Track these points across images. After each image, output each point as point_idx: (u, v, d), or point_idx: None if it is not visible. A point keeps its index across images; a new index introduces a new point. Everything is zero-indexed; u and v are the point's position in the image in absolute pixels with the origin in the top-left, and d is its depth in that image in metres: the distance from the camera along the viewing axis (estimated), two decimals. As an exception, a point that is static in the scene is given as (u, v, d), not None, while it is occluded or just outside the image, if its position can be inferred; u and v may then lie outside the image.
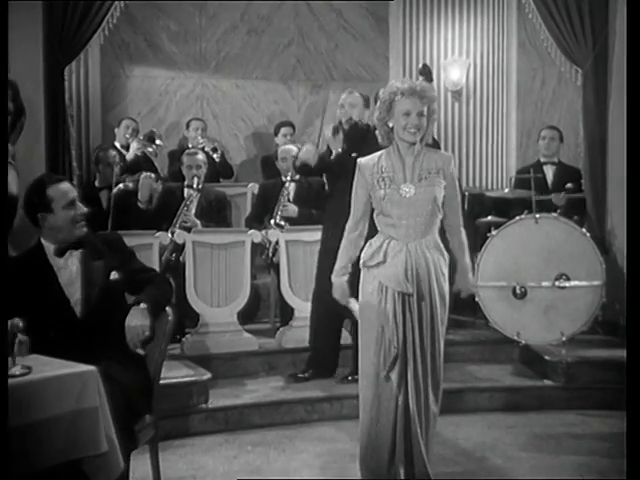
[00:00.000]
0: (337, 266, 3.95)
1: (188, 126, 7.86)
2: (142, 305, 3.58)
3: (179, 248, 5.98)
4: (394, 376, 3.79)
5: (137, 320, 3.51)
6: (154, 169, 7.46)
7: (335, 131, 5.29)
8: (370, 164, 3.86)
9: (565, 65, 6.54)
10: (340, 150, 5.29)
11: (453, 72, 8.46)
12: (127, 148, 7.50)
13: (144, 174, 6.31)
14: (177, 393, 4.98)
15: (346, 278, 3.92)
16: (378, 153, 3.89)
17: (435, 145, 5.97)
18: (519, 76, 8.16)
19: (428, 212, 3.79)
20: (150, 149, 7.34)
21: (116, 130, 7.66)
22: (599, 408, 5.26)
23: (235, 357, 5.73)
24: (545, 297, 5.64)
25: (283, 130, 7.86)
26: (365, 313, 3.86)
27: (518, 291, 5.67)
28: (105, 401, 3.03)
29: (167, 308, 3.75)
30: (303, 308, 5.77)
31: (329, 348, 5.57)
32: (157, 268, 5.60)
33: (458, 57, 8.44)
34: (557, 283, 5.62)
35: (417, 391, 3.79)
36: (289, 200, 6.62)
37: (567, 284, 5.61)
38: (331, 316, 5.39)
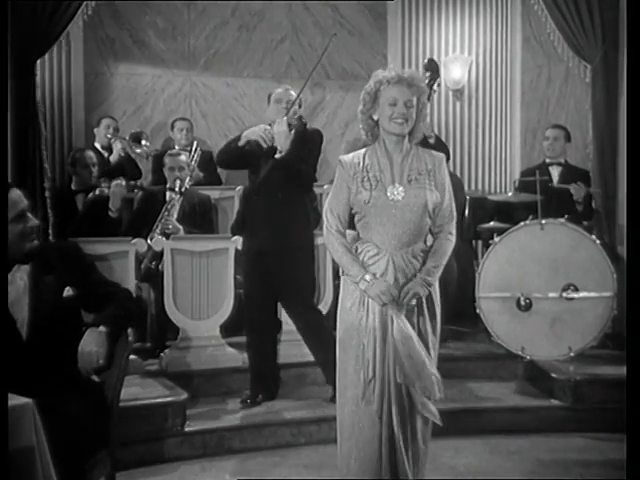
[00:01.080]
0: (355, 272, 3.44)
1: (173, 127, 7.57)
2: (100, 328, 3.17)
3: (160, 256, 5.63)
4: (376, 400, 3.42)
5: (92, 345, 3.10)
6: (138, 172, 7.20)
7: (290, 127, 4.85)
8: (354, 161, 3.49)
9: (573, 61, 6.35)
10: (286, 149, 4.83)
11: (454, 70, 8.27)
12: (108, 149, 7.23)
13: (115, 182, 6.00)
14: (151, 415, 4.63)
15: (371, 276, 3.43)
16: (361, 150, 3.54)
17: (439, 143, 5.83)
18: (524, 74, 8.00)
19: (418, 219, 3.44)
20: (138, 150, 7.00)
21: (96, 130, 7.38)
22: (611, 431, 4.82)
23: (217, 374, 5.37)
24: (552, 309, 5.39)
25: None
26: (344, 329, 3.49)
27: (522, 303, 5.42)
28: (43, 439, 2.62)
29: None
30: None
31: (268, 368, 5.21)
32: (133, 278, 5.32)
33: (459, 54, 8.28)
34: (564, 294, 5.38)
35: (402, 416, 3.43)
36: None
37: (575, 295, 5.37)
38: (265, 329, 5.10)
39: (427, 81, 5.58)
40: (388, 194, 3.41)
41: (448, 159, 6.54)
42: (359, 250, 3.48)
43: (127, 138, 7.08)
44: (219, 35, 8.19)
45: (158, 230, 5.83)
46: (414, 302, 3.42)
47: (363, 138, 3.55)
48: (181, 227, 5.88)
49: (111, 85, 8.00)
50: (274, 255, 4.92)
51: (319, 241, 5.27)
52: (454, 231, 3.55)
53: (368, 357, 3.42)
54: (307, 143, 4.93)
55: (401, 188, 3.42)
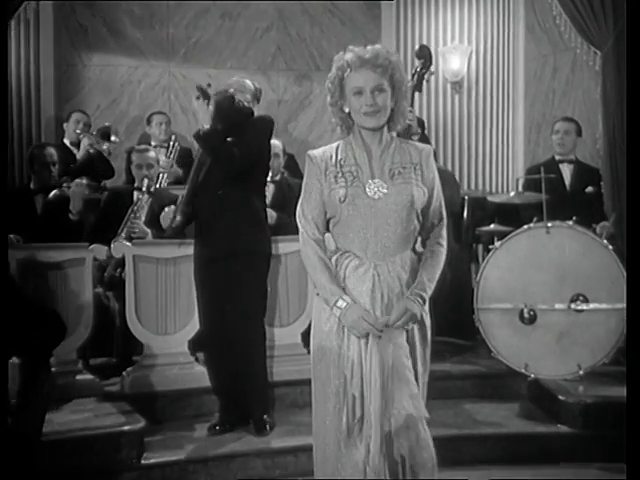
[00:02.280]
0: (328, 295, 2.92)
1: (149, 121, 7.24)
2: None
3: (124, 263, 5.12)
4: (361, 441, 2.91)
5: None
6: (110, 170, 6.76)
7: (202, 95, 4.39)
8: (326, 155, 2.99)
9: (581, 48, 6.05)
10: (208, 127, 4.38)
11: (453, 61, 8.04)
12: (78, 145, 6.79)
13: (76, 181, 5.56)
14: (103, 446, 4.13)
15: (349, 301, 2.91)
16: (335, 144, 3.03)
17: (421, 128, 5.54)
18: (527, 64, 7.79)
19: (404, 220, 2.93)
20: (105, 146, 6.56)
21: (65, 125, 6.97)
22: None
23: (185, 395, 4.88)
24: (558, 322, 5.08)
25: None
26: (320, 358, 2.97)
27: (526, 315, 5.10)
28: None
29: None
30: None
31: (234, 388, 4.66)
32: (90, 287, 4.89)
33: (458, 44, 8.05)
34: (573, 306, 5.06)
35: (390, 459, 2.90)
36: (267, 205, 5.73)
37: (585, 307, 5.05)
38: (223, 344, 4.58)
39: (419, 69, 5.37)
40: (367, 191, 2.91)
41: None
42: (337, 264, 2.97)
43: (94, 133, 6.64)
44: (200, 23, 7.92)
45: (124, 234, 5.36)
46: (411, 325, 2.93)
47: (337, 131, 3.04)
48: (149, 231, 5.43)
49: (84, 77, 7.72)
50: (221, 261, 4.46)
51: (291, 248, 4.86)
52: (445, 235, 3.07)
53: (353, 393, 2.91)
54: (240, 125, 4.50)
55: (382, 183, 2.91)
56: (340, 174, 2.92)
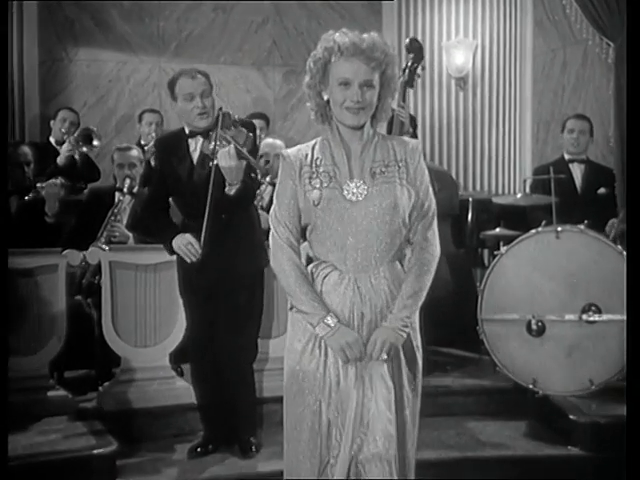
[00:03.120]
0: (311, 309, 2.62)
1: (141, 119, 6.98)
2: None
3: (102, 269, 4.96)
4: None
5: None
6: (97, 173, 6.64)
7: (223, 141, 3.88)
8: (301, 154, 2.69)
9: (593, 40, 6.06)
10: (237, 184, 3.96)
11: (457, 56, 7.95)
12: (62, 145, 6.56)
13: (49, 181, 5.35)
14: (70, 472, 3.84)
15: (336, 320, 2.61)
16: (312, 141, 2.74)
17: (413, 126, 5.43)
18: (535, 59, 7.67)
19: (388, 226, 2.61)
20: (84, 149, 6.32)
21: (52, 123, 6.74)
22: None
23: (165, 413, 4.59)
24: (569, 334, 4.87)
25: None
26: (293, 381, 2.66)
27: (534, 326, 4.89)
28: None
29: None
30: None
31: (220, 407, 4.34)
32: (63, 296, 4.63)
33: (463, 38, 7.96)
34: (584, 316, 4.84)
35: None
36: (262, 208, 5.54)
37: (597, 318, 4.83)
38: (210, 356, 4.27)
39: (409, 64, 5.34)
40: (345, 193, 2.62)
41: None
42: (314, 277, 2.66)
43: (75, 136, 6.44)
44: (192, 16, 7.84)
45: (103, 238, 5.14)
46: (385, 356, 2.60)
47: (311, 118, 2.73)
48: (131, 235, 5.19)
49: (70, 72, 7.61)
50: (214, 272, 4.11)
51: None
52: (436, 241, 2.75)
53: (328, 417, 2.61)
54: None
55: (362, 184, 2.61)
56: (315, 174, 2.62)
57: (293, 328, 2.67)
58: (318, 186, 2.59)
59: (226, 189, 3.84)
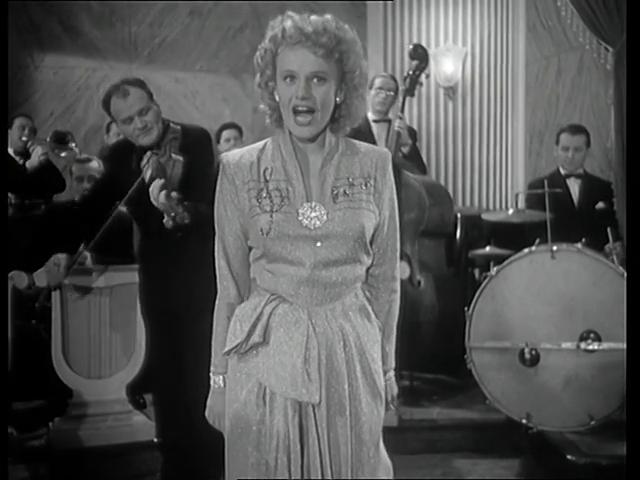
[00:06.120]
0: (213, 360, 2.37)
1: (109, 130, 6.71)
2: None
3: (57, 292, 4.70)
4: None
5: None
6: (61, 183, 6.11)
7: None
8: (244, 162, 2.24)
9: (590, 45, 5.79)
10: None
11: (446, 64, 7.78)
12: (24, 154, 6.21)
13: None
14: None
15: (223, 384, 2.34)
16: (258, 144, 2.28)
17: (413, 154, 5.37)
18: (528, 67, 7.51)
19: (349, 255, 2.20)
20: (64, 154, 5.97)
21: (9, 132, 6.43)
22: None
23: (122, 452, 4.37)
24: (566, 364, 4.72)
25: (226, 134, 6.76)
26: (236, 436, 2.26)
27: (528, 355, 4.75)
28: None
29: None
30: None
31: (185, 443, 3.94)
32: (8, 322, 4.17)
33: (452, 45, 7.78)
34: (583, 345, 4.69)
35: None
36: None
37: (597, 346, 4.68)
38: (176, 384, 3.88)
39: (412, 71, 5.28)
40: (300, 218, 2.16)
41: (425, 174, 5.83)
42: (255, 307, 2.23)
43: (48, 140, 6.06)
44: (166, 21, 7.72)
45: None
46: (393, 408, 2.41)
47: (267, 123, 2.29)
48: (89, 255, 4.81)
49: (36, 80, 7.51)
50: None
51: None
52: (398, 275, 2.37)
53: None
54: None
55: (321, 208, 2.18)
56: (264, 192, 2.17)
57: (234, 375, 2.28)
58: (267, 209, 2.16)
59: (164, 220, 3.46)
